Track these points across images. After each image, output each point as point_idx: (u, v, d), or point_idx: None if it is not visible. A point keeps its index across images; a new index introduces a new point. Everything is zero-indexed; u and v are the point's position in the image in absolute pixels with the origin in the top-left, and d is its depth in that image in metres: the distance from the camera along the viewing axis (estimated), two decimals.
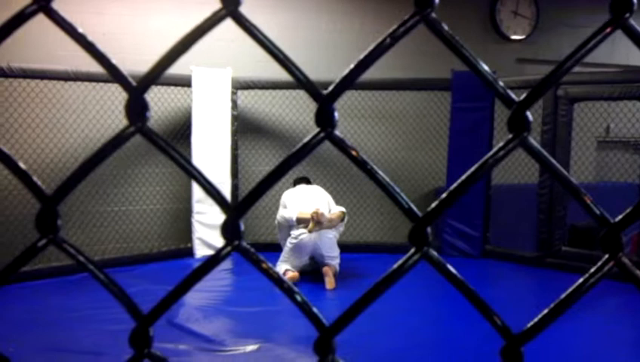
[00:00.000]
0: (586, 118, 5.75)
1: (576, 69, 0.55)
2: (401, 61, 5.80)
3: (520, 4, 7.38)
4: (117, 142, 0.52)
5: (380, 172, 0.53)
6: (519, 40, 7.44)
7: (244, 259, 0.54)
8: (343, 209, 5.33)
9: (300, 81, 0.53)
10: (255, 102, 6.26)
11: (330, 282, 4.91)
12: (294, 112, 6.19)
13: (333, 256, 5.08)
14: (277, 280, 0.54)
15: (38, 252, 0.52)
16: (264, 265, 0.54)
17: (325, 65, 5.84)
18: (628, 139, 6.82)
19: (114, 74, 0.53)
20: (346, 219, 5.36)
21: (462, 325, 3.78)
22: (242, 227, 0.53)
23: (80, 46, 0.53)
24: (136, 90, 0.52)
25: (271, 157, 6.29)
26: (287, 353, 3.40)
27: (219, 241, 5.75)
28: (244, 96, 6.15)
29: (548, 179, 5.48)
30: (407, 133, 6.50)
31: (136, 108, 0.52)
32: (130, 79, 0.53)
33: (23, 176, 0.54)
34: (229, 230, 0.53)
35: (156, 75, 0.53)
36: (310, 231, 4.97)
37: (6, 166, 0.53)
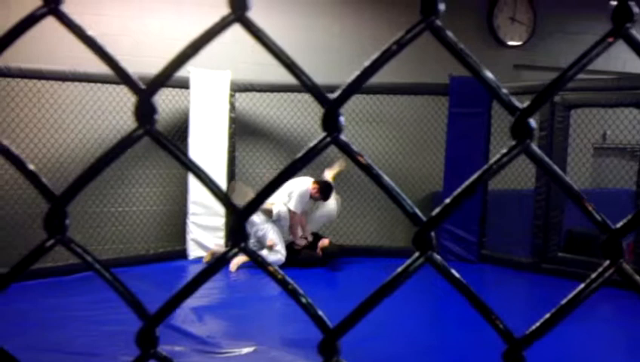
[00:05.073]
0: (583, 125, 5.77)
1: None
2: (399, 66, 5.80)
3: (517, 10, 7.41)
4: (126, 143, 0.53)
5: (386, 177, 0.54)
6: (516, 46, 7.47)
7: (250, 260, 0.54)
8: (272, 207, 5.58)
9: (307, 86, 0.54)
10: (253, 105, 6.27)
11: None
12: (292, 115, 6.20)
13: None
14: (282, 282, 0.54)
15: (46, 251, 0.53)
16: (270, 268, 0.54)
17: (321, 68, 5.85)
18: (624, 146, 6.85)
19: (123, 77, 0.54)
20: (273, 216, 5.62)
21: (462, 330, 3.78)
22: (248, 229, 0.54)
23: (89, 49, 0.54)
24: (145, 93, 0.53)
25: (268, 159, 6.29)
26: (282, 355, 3.40)
27: (212, 243, 5.77)
28: (242, 99, 6.16)
29: (544, 185, 5.49)
30: (404, 137, 6.51)
31: (145, 110, 0.53)
32: (139, 82, 0.54)
33: (32, 177, 0.54)
34: (236, 232, 0.53)
35: (165, 77, 0.54)
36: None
37: (15, 167, 0.54)
